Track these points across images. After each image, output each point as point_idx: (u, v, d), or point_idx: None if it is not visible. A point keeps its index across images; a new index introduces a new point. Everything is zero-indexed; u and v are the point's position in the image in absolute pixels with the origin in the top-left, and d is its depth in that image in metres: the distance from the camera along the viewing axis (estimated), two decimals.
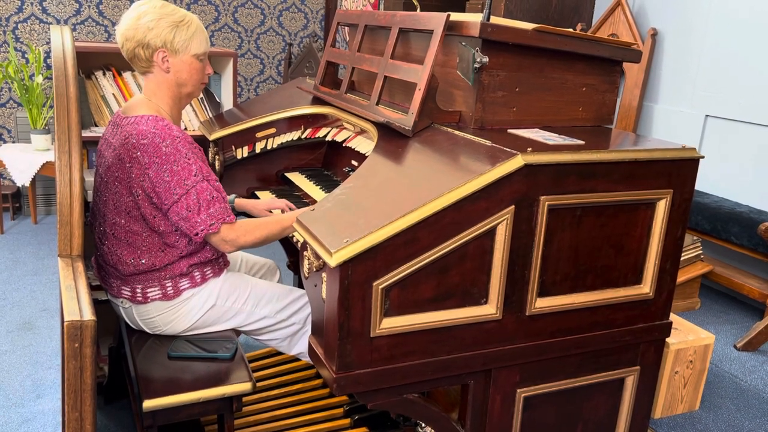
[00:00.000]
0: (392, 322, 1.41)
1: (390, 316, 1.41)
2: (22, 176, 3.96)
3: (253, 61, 5.43)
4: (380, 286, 1.37)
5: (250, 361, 2.57)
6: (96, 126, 2.58)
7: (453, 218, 1.40)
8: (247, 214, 2.29)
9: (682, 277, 3.21)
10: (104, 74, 2.57)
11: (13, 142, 4.65)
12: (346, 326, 1.37)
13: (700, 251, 3.40)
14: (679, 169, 1.66)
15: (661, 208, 1.67)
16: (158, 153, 1.73)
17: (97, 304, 2.34)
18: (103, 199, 1.84)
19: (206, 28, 5.17)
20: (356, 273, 1.34)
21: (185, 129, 2.67)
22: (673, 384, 2.10)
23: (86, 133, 2.48)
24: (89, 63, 2.60)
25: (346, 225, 1.39)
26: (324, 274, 1.41)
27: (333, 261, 1.31)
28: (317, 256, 1.40)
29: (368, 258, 1.34)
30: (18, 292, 3.43)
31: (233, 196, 2.25)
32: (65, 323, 1.08)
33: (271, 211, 2.20)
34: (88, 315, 1.10)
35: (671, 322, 1.82)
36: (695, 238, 3.41)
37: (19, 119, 4.32)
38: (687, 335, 2.12)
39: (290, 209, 2.19)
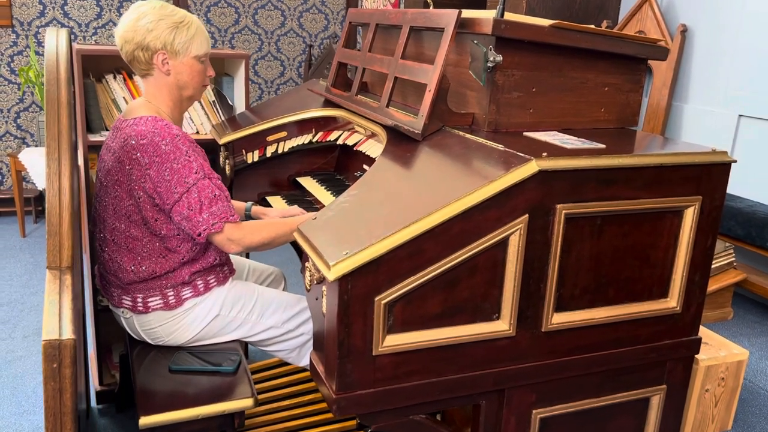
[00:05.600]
0: (396, 339, 1.33)
1: (394, 333, 1.33)
2: (43, 180, 3.97)
3: (273, 63, 5.39)
4: (383, 301, 1.29)
5: (259, 371, 2.50)
6: (106, 130, 2.55)
7: (461, 228, 1.31)
8: None
9: (713, 285, 3.06)
10: (114, 77, 2.53)
11: (36, 146, 4.69)
12: (346, 343, 1.29)
13: (733, 258, 3.25)
14: (709, 175, 1.54)
15: (689, 216, 1.55)
16: (158, 152, 1.68)
17: (107, 311, 2.30)
18: (103, 204, 1.80)
19: (226, 30, 5.15)
20: (356, 287, 1.26)
21: (197, 132, 2.63)
22: (703, 402, 1.98)
23: (96, 137, 2.44)
24: (101, 66, 2.56)
25: (348, 235, 1.31)
26: (324, 287, 1.33)
27: (331, 274, 1.23)
28: (318, 268, 1.32)
29: (369, 271, 1.25)
30: (36, 296, 3.43)
31: (250, 203, 2.20)
32: (42, 342, 1.02)
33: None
34: (68, 333, 1.04)
35: (700, 338, 1.70)
36: (728, 244, 3.26)
37: (42, 123, 4.34)
38: (718, 351, 1.99)
39: None
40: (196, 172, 1.70)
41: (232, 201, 2.11)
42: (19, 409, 2.47)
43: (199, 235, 1.71)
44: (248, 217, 2.17)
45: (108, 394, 2.50)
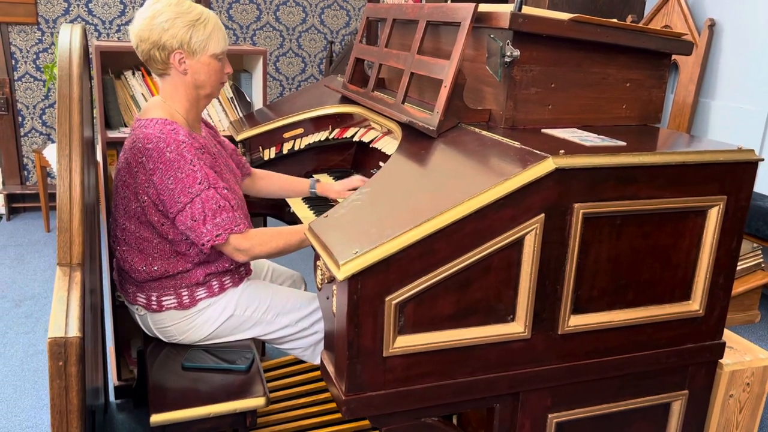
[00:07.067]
0: (407, 340, 1.30)
1: (405, 334, 1.30)
2: None
3: (294, 59, 5.38)
4: (393, 302, 1.26)
5: (273, 370, 2.49)
6: (125, 126, 2.56)
7: (475, 228, 1.28)
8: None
9: (740, 287, 2.98)
10: (133, 74, 2.54)
11: None
12: (356, 344, 1.26)
13: (761, 260, 3.15)
14: (734, 173, 1.49)
15: (713, 217, 1.50)
16: (162, 159, 1.65)
17: (126, 306, 2.31)
18: (115, 204, 1.79)
19: (247, 26, 5.15)
20: (366, 287, 1.23)
21: None
22: (727, 408, 1.92)
23: (115, 134, 2.46)
24: (120, 63, 2.58)
25: (358, 234, 1.28)
26: (334, 287, 1.31)
27: (341, 274, 1.20)
28: (328, 267, 1.30)
29: (380, 271, 1.23)
30: None
31: (313, 180, 2.22)
32: (48, 340, 1.02)
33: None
34: (74, 331, 1.03)
35: (724, 343, 1.64)
36: (755, 245, 3.16)
37: None
38: (744, 355, 1.93)
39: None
40: (200, 183, 1.66)
41: (292, 177, 2.18)
42: (39, 402, 2.49)
43: (203, 245, 1.69)
44: (313, 193, 2.21)
45: (126, 389, 2.52)
